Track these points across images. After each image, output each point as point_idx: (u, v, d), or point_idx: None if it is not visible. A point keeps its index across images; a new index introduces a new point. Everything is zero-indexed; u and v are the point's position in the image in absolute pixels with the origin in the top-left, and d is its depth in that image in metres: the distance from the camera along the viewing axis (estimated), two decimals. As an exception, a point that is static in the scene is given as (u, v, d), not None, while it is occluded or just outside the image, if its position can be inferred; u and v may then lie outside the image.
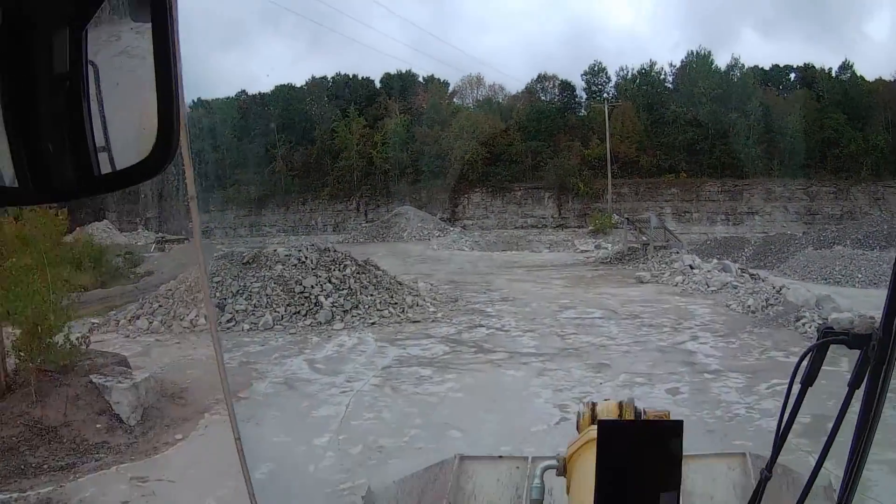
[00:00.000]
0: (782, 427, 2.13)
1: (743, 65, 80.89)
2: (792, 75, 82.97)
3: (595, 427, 2.80)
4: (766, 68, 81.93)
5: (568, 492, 3.26)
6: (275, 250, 28.40)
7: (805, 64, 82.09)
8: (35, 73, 1.47)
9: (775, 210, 73.07)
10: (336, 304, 25.36)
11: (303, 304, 25.17)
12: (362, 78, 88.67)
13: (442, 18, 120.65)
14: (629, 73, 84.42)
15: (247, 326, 24.00)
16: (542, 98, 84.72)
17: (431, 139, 78.66)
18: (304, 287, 25.79)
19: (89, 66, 1.53)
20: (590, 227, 68.93)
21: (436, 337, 22.64)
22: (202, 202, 76.09)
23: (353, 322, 24.66)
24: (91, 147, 1.53)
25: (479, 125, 77.94)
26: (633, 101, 79.73)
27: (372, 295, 26.51)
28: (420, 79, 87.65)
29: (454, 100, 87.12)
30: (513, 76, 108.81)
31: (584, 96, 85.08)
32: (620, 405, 3.33)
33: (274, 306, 24.98)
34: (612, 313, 26.25)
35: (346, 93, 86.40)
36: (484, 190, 77.76)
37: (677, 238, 47.22)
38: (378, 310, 25.70)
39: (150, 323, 24.40)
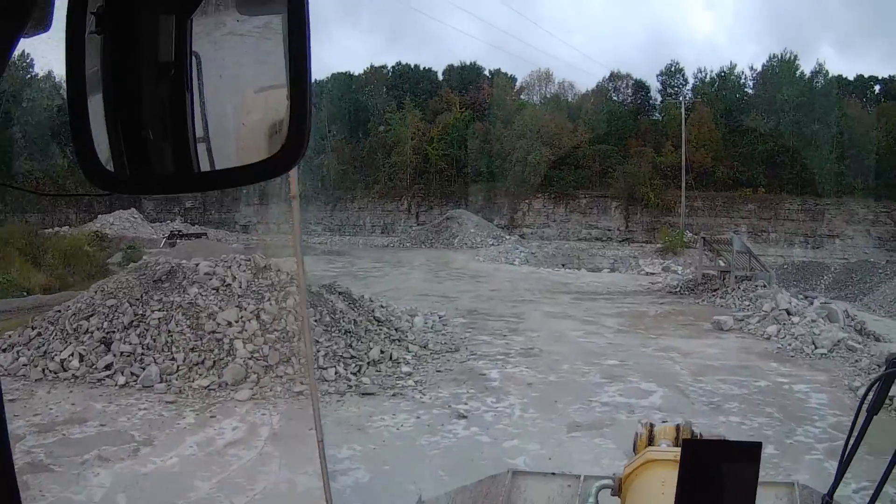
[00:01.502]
0: (846, 454, 2.23)
1: (827, 71, 75.31)
2: (877, 87, 76.79)
3: (652, 448, 3.29)
4: (850, 78, 76.00)
5: None
6: (196, 265, 20.64)
7: (891, 76, 76.25)
8: (138, 60, 1.48)
9: (857, 234, 67.06)
10: (257, 355, 17.53)
11: (211, 351, 17.60)
12: (424, 69, 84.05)
13: (519, 18, 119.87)
14: (707, 76, 79.49)
15: (122, 380, 16.87)
16: (615, 98, 79.50)
17: (493, 137, 73.94)
18: (219, 324, 18.23)
19: (193, 57, 1.53)
20: (658, 245, 62.84)
21: (373, 436, 14.27)
22: (245, 194, 74.47)
23: (269, 388, 16.69)
24: (192, 140, 1.52)
25: (544, 124, 72.91)
26: (711, 107, 74.31)
27: (319, 341, 18.89)
28: (486, 72, 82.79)
29: (521, 96, 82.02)
30: (585, 70, 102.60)
31: (660, 98, 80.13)
32: (678, 428, 3.56)
33: (172, 350, 17.67)
34: (678, 393, 17.73)
35: (405, 84, 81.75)
36: (546, 196, 72.43)
37: (765, 267, 40.21)
38: (321, 367, 17.79)
39: (17, 359, 17.97)
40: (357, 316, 21.59)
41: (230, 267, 20.48)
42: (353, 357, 18.77)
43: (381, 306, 24.42)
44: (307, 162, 74.25)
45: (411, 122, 76.26)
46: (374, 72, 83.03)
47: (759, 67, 77.75)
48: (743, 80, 78.65)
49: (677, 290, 40.37)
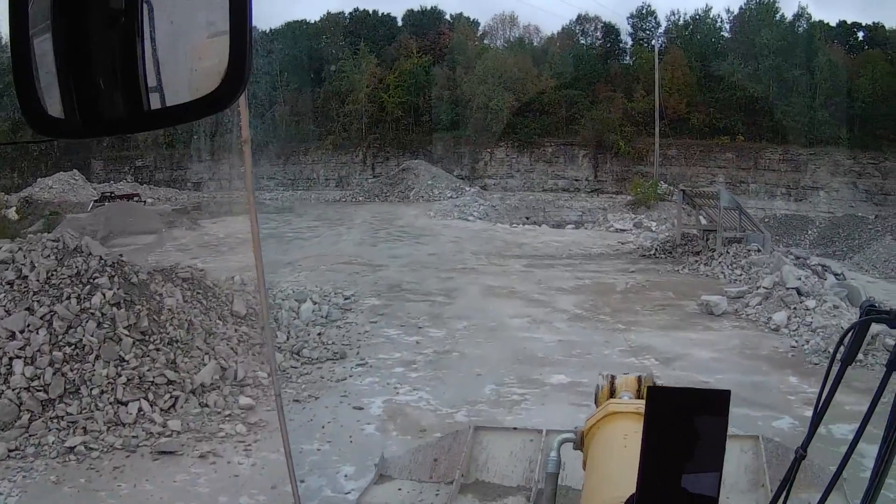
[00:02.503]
0: (819, 406, 2.14)
1: (810, 15, 71.80)
2: (860, 34, 73.49)
3: (614, 400, 3.24)
4: (832, 24, 72.76)
5: (584, 466, 3.18)
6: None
7: (874, 23, 72.74)
8: (89, 8, 1.49)
9: (843, 186, 62.57)
10: (36, 384, 11.80)
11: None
12: (383, 14, 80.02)
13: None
14: (681, 19, 76.01)
15: None
16: (582, 42, 75.54)
17: (453, 83, 69.47)
18: (-1, 336, 12.60)
19: (144, 4, 1.56)
20: (629, 197, 57.80)
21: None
22: (196, 151, 70.91)
23: (39, 439, 11.12)
24: (143, 84, 1.55)
25: (506, 68, 68.51)
26: (685, 51, 70.72)
27: (125, 359, 12.65)
28: (447, 17, 79.02)
29: (484, 42, 78.12)
30: (552, 11, 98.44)
31: (630, 42, 76.27)
32: (640, 379, 3.50)
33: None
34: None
35: (363, 30, 77.56)
36: (509, 145, 67.95)
37: (758, 226, 32.86)
38: (119, 401, 11.96)
39: None
40: (199, 313, 15.29)
41: (31, 250, 14.06)
42: (170, 383, 12.70)
43: (256, 292, 17.47)
44: (258, 114, 70.58)
45: (366, 69, 71.89)
46: (331, 18, 78.88)
47: (735, 10, 74.82)
48: (719, 24, 75.78)
49: (652, 252, 34.86)
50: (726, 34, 75.05)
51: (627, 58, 75.40)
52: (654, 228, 45.93)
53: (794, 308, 19.77)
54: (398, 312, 20.97)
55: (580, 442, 3.28)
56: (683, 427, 1.98)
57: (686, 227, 35.37)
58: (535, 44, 76.32)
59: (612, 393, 3.48)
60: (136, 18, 1.51)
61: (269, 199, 66.63)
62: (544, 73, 69.47)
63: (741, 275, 26.10)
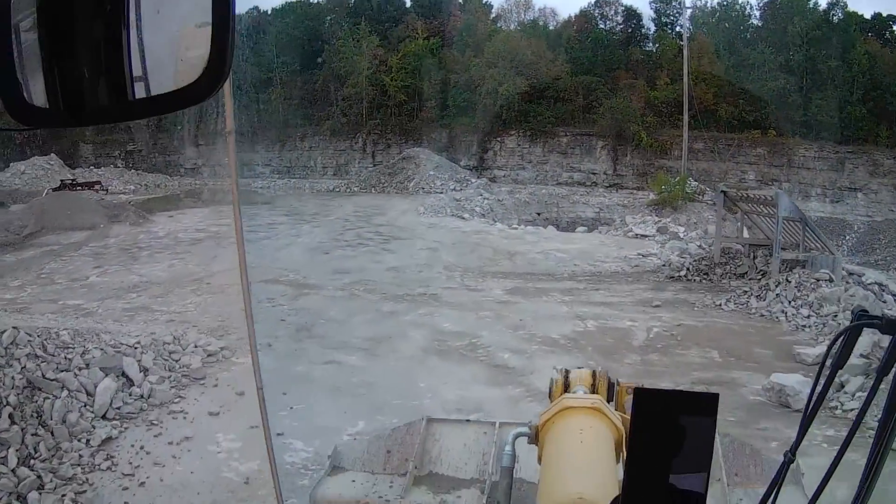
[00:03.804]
0: (809, 410, 2.15)
1: (846, 3, 67.30)
2: (896, 27, 68.69)
3: (569, 395, 3.29)
4: (867, 17, 68.43)
5: (539, 460, 3.15)
6: None
7: (912, 16, 67.99)
8: None
9: (883, 188, 57.29)
10: None
11: None
12: (390, -5, 75.36)
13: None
14: (707, 5, 71.88)
15: None
16: (601, 26, 70.36)
17: (461, 66, 64.50)
18: None
19: None
20: (652, 195, 51.86)
21: None
22: (192, 136, 67.40)
23: None
24: (128, 74, 1.54)
25: (519, 51, 63.43)
26: (712, 37, 66.60)
27: None
28: (459, -1, 73.96)
29: (497, 25, 73.03)
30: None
31: (653, 28, 71.37)
32: (594, 374, 3.59)
33: None
34: None
35: (368, 11, 72.75)
36: (521, 133, 62.72)
37: (827, 245, 25.88)
38: None
39: None
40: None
41: None
42: None
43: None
44: (252, 97, 67.15)
45: (367, 50, 67.21)
46: (335, -1, 74.04)
47: (766, -3, 69.76)
48: (748, 11, 71.66)
49: (682, 272, 27.41)
50: (756, 21, 70.76)
51: (650, 44, 70.66)
52: (681, 235, 39.48)
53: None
54: (272, 390, 11.08)
55: (535, 436, 3.23)
56: (670, 428, 1.96)
57: (727, 239, 29.11)
58: (550, 27, 71.73)
59: (567, 387, 3.54)
60: (121, 7, 1.48)
61: (260, 188, 63.18)
62: (560, 57, 64.56)
63: (809, 316, 19.71)
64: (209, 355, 15.06)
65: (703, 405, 1.95)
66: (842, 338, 2.02)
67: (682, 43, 61.82)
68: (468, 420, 6.12)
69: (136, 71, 1.52)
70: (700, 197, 46.71)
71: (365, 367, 15.87)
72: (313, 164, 69.26)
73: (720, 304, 22.49)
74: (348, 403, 13.49)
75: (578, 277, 27.70)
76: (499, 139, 63.38)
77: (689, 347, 17.85)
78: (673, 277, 27.32)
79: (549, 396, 3.56)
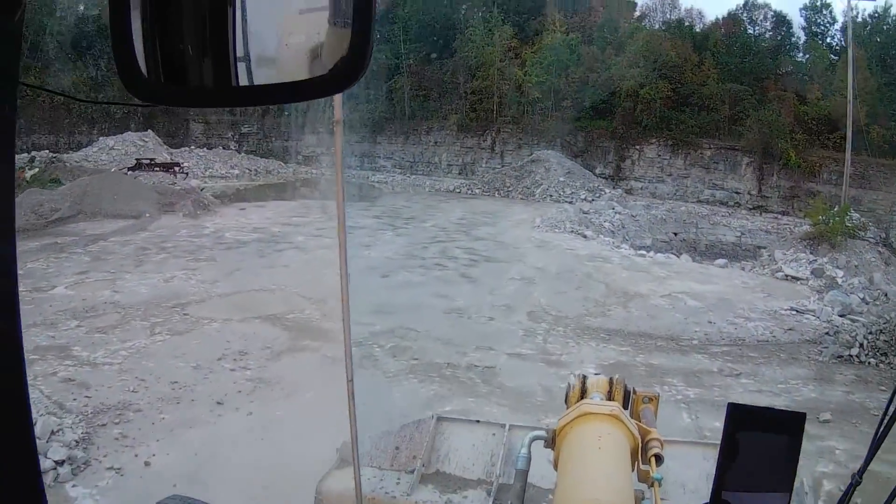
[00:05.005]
0: (879, 433, 2.17)
1: None
2: None
3: (588, 401, 3.29)
4: None
5: (556, 465, 3.18)
6: None
7: None
8: None
9: None
10: None
11: None
12: (530, -14, 72.21)
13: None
14: (859, 16, 65.05)
15: None
16: (750, 32, 66.05)
17: (601, 65, 60.91)
18: None
19: None
20: (806, 225, 44.38)
21: None
22: (312, 123, 64.84)
23: None
24: (232, 56, 1.47)
25: (662, 51, 59.78)
26: (865, 50, 60.40)
27: None
28: (603, -6, 70.29)
29: (642, 23, 69.12)
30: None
31: (803, 37, 66.37)
32: (611, 381, 3.57)
33: None
34: None
35: (507, 2, 69.03)
36: (662, 142, 58.91)
37: None
38: None
39: None
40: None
41: None
42: None
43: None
44: (376, 87, 64.84)
45: (499, 41, 63.87)
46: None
47: (925, 9, 63.87)
48: None
49: (854, 349, 20.13)
50: (917, 34, 64.80)
51: (800, 54, 66.06)
52: (839, 281, 32.35)
53: None
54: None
55: (552, 440, 3.27)
56: (759, 444, 2.08)
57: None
58: (696, 29, 67.46)
59: (584, 393, 3.52)
60: None
61: (377, 182, 61.74)
62: (706, 62, 60.53)
63: None
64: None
65: (791, 424, 2.07)
66: None
67: (833, 57, 58.45)
68: (478, 421, 6.16)
69: (242, 54, 1.42)
70: (863, 233, 41.21)
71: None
72: (438, 160, 66.82)
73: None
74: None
75: (713, 348, 20.66)
76: (637, 147, 59.76)
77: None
78: (841, 357, 20.07)
79: (566, 401, 3.54)
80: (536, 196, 53.34)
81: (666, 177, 58.66)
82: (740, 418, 2.17)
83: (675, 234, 47.81)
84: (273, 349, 17.90)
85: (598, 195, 52.51)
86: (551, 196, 52.64)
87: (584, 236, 39.12)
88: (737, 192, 56.41)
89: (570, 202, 50.22)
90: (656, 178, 58.86)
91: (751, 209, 54.70)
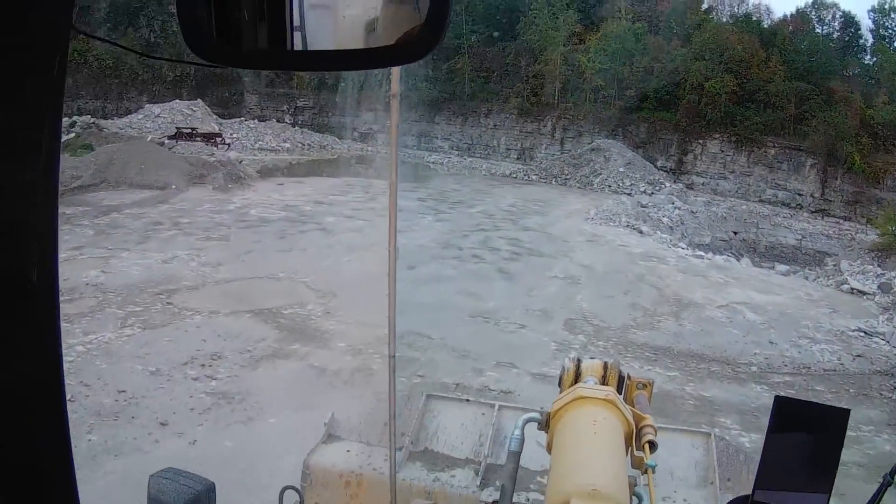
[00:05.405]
0: None
1: None
2: None
3: (583, 385, 3.27)
4: None
5: (549, 448, 3.17)
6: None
7: None
8: None
9: None
10: None
11: None
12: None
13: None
14: None
15: None
16: (818, 30, 65.18)
17: (666, 56, 60.16)
18: None
19: None
20: (872, 234, 44.19)
21: None
22: (369, 98, 64.14)
23: None
24: (288, 21, 1.44)
25: (729, 45, 59.02)
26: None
27: None
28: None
29: (709, 16, 68.12)
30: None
31: (871, 39, 65.26)
32: (605, 365, 3.56)
33: None
34: None
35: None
36: (725, 138, 58.18)
37: None
38: None
39: None
40: None
41: None
42: None
43: None
44: (436, 66, 64.18)
45: (563, 25, 62.96)
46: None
47: None
48: None
49: None
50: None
51: (867, 56, 64.98)
52: None
53: None
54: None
55: (546, 423, 3.23)
56: (803, 437, 2.13)
57: None
58: (764, 24, 66.47)
59: (578, 377, 3.52)
60: None
61: (433, 163, 60.89)
62: (773, 58, 59.45)
63: None
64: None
65: (835, 419, 2.10)
66: None
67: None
68: (468, 400, 6.16)
69: (297, 28, 1.39)
70: (935, 248, 40.00)
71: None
72: (496, 143, 66.13)
73: None
74: None
75: (773, 376, 18.02)
76: (700, 141, 59.04)
77: None
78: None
79: (559, 384, 3.54)
80: (594, 186, 52.58)
81: (728, 173, 57.95)
82: (787, 412, 2.25)
83: (735, 233, 47.01)
84: (253, 354, 15.84)
85: (658, 188, 51.93)
86: (609, 187, 51.95)
87: (640, 232, 37.88)
88: (799, 194, 55.63)
89: (629, 194, 49.63)
90: (718, 174, 58.14)
91: (813, 212, 54.00)
